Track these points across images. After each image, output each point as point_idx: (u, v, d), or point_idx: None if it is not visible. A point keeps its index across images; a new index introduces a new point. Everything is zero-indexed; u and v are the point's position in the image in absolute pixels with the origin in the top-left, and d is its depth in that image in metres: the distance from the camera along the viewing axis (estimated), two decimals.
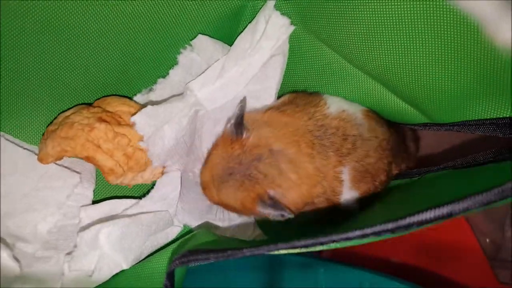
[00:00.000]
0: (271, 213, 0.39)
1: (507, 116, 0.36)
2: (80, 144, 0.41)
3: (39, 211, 0.42)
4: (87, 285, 0.41)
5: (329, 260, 0.56)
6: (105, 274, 0.41)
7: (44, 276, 0.40)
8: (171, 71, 0.47)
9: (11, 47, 0.38)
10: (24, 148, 0.43)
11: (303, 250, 0.27)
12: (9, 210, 0.41)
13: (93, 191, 0.46)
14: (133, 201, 0.46)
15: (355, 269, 0.52)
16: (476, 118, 0.38)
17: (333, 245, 0.27)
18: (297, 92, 0.49)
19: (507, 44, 0.31)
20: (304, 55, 0.46)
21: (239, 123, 0.40)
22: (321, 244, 0.27)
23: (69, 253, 0.42)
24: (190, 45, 0.46)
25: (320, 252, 0.59)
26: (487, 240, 0.57)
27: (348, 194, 0.43)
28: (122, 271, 0.41)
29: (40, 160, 0.42)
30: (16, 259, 0.40)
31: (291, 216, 0.39)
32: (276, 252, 0.28)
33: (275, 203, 0.38)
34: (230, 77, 0.45)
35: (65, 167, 0.45)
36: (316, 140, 0.41)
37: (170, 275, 0.34)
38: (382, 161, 0.44)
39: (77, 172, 0.45)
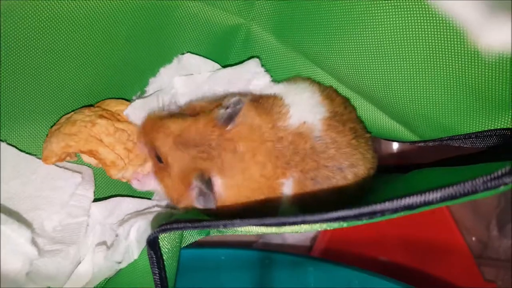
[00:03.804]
0: (199, 192, 0.39)
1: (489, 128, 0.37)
2: (83, 139, 0.43)
3: (44, 210, 0.43)
4: (109, 273, 0.44)
5: (319, 259, 0.57)
6: (125, 264, 0.43)
7: (56, 267, 0.42)
8: (162, 69, 0.49)
9: (9, 62, 0.39)
10: (27, 153, 0.45)
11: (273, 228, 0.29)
12: (14, 211, 0.42)
13: (93, 192, 0.48)
14: (135, 198, 0.49)
15: (344, 267, 0.53)
16: (465, 132, 0.38)
17: (304, 227, 0.28)
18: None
19: (490, 48, 0.32)
20: (293, 74, 0.48)
21: (231, 118, 0.40)
22: (294, 223, 0.28)
23: (100, 244, 0.44)
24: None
25: (309, 251, 0.60)
26: (473, 239, 0.58)
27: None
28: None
29: (45, 159, 0.44)
30: (35, 243, 0.41)
31: (213, 206, 0.39)
32: (252, 228, 0.29)
33: (209, 184, 0.38)
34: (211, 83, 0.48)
35: (66, 168, 0.46)
36: (274, 151, 0.41)
37: (152, 244, 0.34)
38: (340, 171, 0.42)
39: (78, 172, 0.47)
